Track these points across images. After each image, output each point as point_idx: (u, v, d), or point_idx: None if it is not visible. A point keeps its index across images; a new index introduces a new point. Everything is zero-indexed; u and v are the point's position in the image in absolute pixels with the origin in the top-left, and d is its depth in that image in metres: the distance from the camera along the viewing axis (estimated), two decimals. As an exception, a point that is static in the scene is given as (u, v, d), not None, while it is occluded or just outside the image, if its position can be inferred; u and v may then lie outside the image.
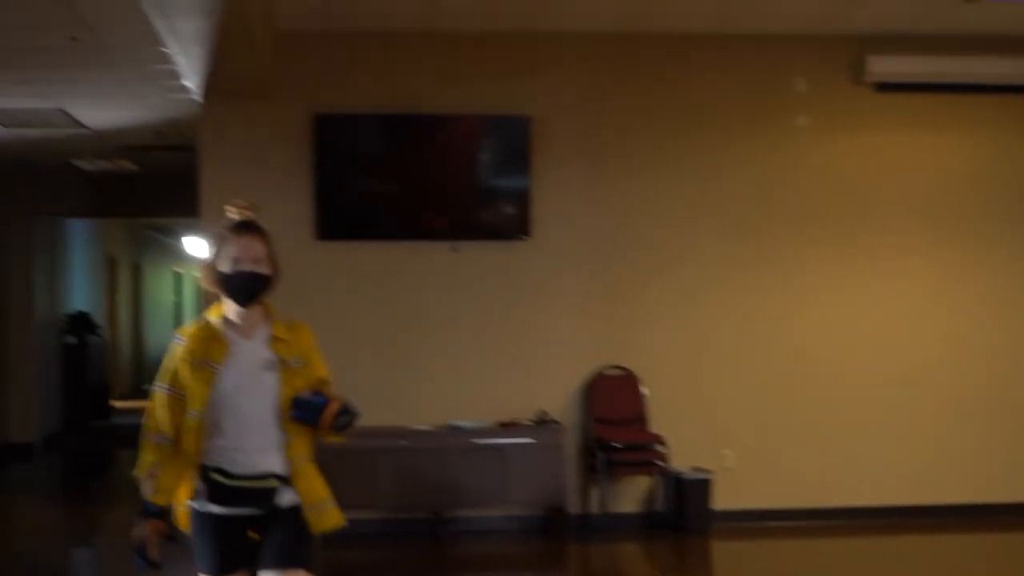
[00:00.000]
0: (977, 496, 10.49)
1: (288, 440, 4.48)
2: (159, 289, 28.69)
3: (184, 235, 24.58)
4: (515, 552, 9.63)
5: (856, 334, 10.43)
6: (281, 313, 4.61)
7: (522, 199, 10.02)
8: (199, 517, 4.51)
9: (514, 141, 10.01)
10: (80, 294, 19.39)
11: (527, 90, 10.11)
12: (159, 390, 4.54)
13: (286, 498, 4.49)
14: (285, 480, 4.47)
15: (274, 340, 4.54)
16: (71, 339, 18.09)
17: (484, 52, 10.11)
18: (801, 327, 10.38)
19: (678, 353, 10.25)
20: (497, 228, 10.09)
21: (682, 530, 9.93)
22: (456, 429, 9.70)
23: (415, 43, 10.03)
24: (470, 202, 10.07)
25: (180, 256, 29.21)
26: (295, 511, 4.49)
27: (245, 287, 4.49)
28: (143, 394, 24.47)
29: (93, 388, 18.80)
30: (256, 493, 4.45)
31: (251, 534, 4.48)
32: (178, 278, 31.60)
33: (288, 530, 4.48)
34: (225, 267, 4.49)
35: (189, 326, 4.62)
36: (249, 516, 4.48)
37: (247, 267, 4.46)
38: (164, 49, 8.31)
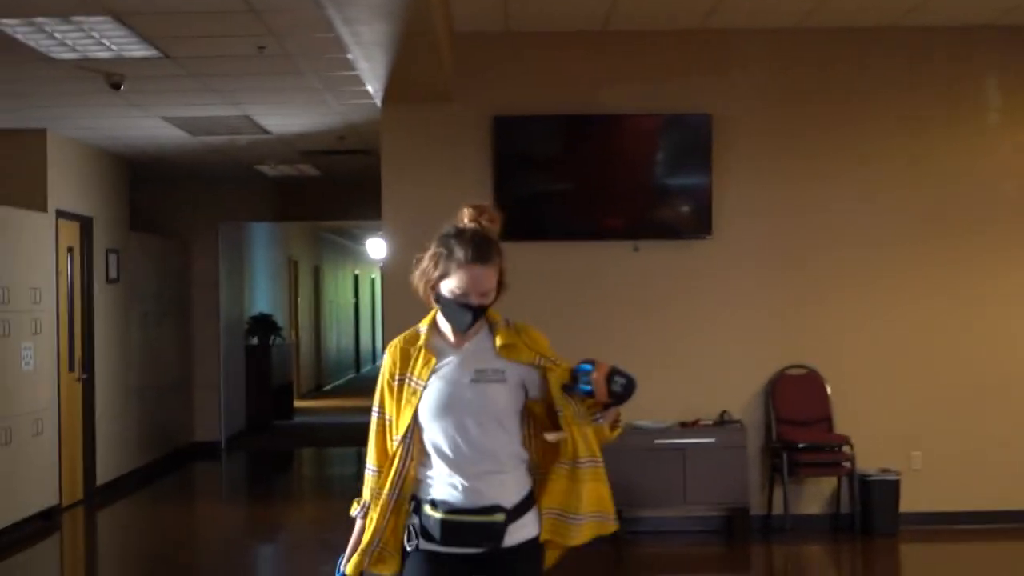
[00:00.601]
0: None
1: (529, 458, 3.96)
2: (339, 290, 29.16)
3: (363, 237, 24.95)
4: (696, 553, 9.57)
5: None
6: (504, 317, 4.03)
7: (703, 197, 9.93)
8: (412, 556, 3.93)
9: (694, 139, 9.93)
10: (262, 296, 19.80)
11: (706, 88, 10.02)
12: (373, 413, 4.03)
13: (515, 536, 3.88)
14: (516, 512, 3.88)
15: (501, 349, 3.92)
16: (254, 340, 18.47)
17: (662, 50, 10.04)
18: (992, 326, 10.11)
19: (864, 352, 10.06)
20: (677, 227, 10.02)
21: (868, 532, 9.75)
22: (637, 429, 9.66)
23: (593, 43, 10.01)
24: (649, 201, 10.02)
25: (359, 258, 29.71)
26: (527, 550, 3.90)
27: (467, 318, 3.89)
28: (324, 394, 25.05)
29: (275, 388, 19.16)
30: (477, 528, 3.85)
31: None
32: (357, 279, 32.10)
33: (512, 574, 3.91)
34: (447, 291, 3.87)
35: (396, 339, 4.06)
36: (470, 556, 3.88)
37: (473, 301, 3.87)
38: (347, 55, 8.42)
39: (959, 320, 10.09)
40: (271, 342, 18.82)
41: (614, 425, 3.96)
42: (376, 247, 23.44)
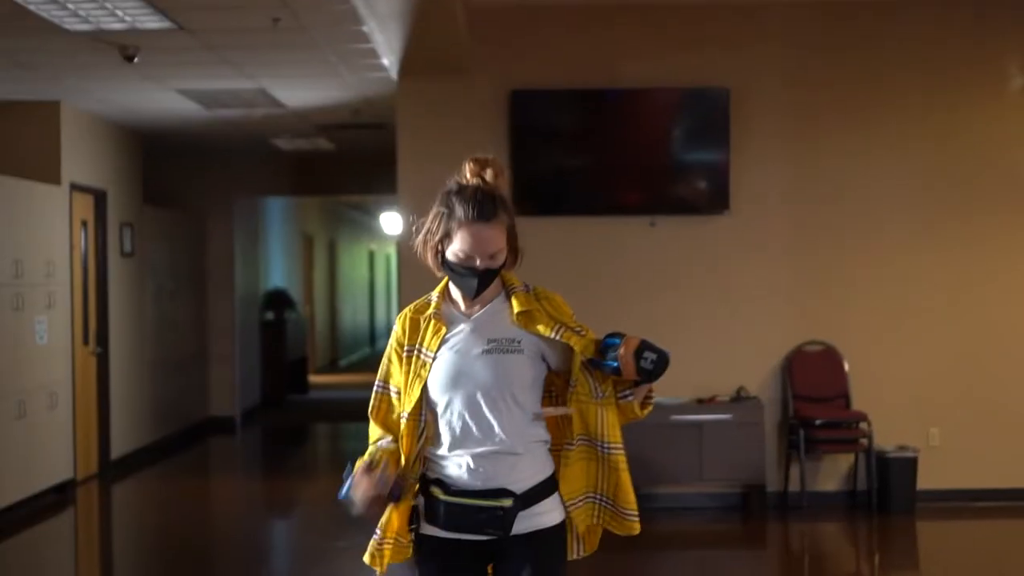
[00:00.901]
0: None
1: (545, 438, 3.64)
2: (354, 265, 29.13)
3: (379, 212, 24.91)
4: (712, 530, 9.55)
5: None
6: (523, 283, 3.69)
7: (720, 173, 9.86)
8: (418, 542, 3.65)
9: (712, 114, 9.86)
10: (277, 271, 19.78)
11: (725, 62, 9.94)
12: (376, 388, 3.73)
13: (528, 523, 3.55)
14: (529, 498, 3.55)
15: (517, 316, 3.58)
16: (269, 315, 18.45)
17: (681, 23, 9.96)
18: (1013, 304, 10.04)
19: (882, 329, 10.00)
20: (695, 203, 9.96)
21: (885, 510, 9.71)
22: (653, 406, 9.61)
23: (610, 16, 9.92)
24: (667, 177, 9.96)
25: (374, 233, 29.67)
26: (543, 538, 3.57)
27: (473, 283, 3.56)
28: (339, 369, 24.97)
29: (290, 363, 19.14)
30: (482, 513, 3.51)
31: (490, 569, 3.65)
32: (372, 255, 32.09)
33: (525, 565, 3.55)
34: (451, 255, 3.57)
35: (406, 308, 3.74)
36: (480, 544, 3.57)
37: (479, 264, 3.55)
38: (363, 27, 8.36)
39: (979, 296, 10.02)
40: (286, 317, 18.79)
41: (645, 403, 3.62)
42: (390, 221, 23.36)
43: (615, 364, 3.45)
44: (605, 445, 3.57)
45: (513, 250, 3.62)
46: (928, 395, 9.96)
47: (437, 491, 3.56)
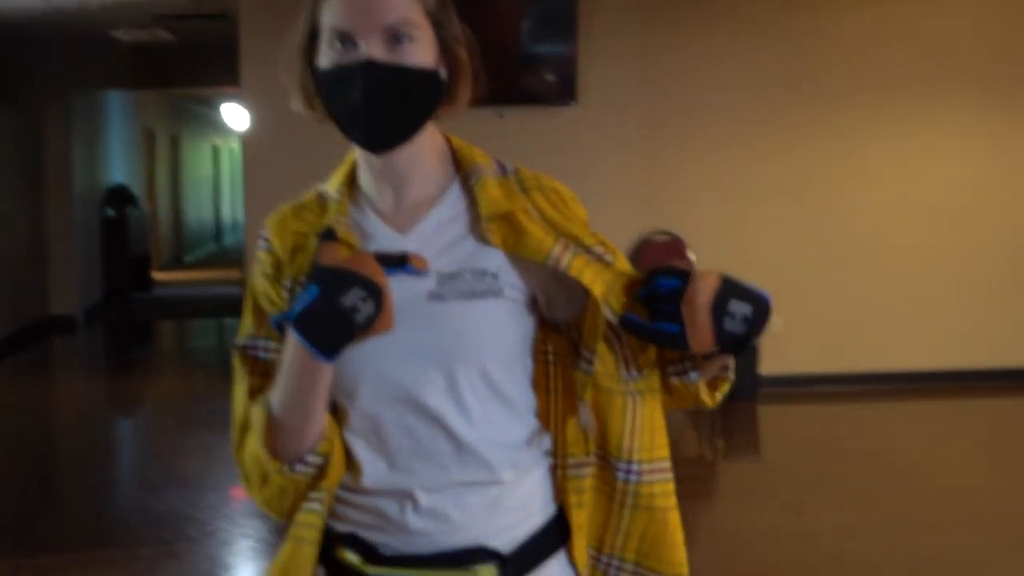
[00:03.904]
0: (1025, 360, 10.44)
1: (545, 447, 2.04)
2: (197, 162, 28.70)
3: (222, 106, 24.51)
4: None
5: (908, 201, 10.27)
6: (495, 160, 2.14)
7: (568, 64, 9.85)
8: None
9: (559, 4, 9.82)
10: (118, 167, 19.38)
11: (570, -48, 9.89)
12: (239, 348, 2.01)
13: None
14: (526, 558, 1.98)
15: (490, 223, 1.97)
16: (110, 212, 18.10)
17: (526, -87, 9.88)
18: (852, 193, 10.22)
19: (726, 219, 10.13)
20: (543, 94, 9.94)
21: (727, 395, 9.85)
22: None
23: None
24: (514, 68, 9.91)
25: (218, 128, 29.21)
26: None
27: (355, 97, 1.88)
28: (184, 266, 24.63)
29: (133, 260, 18.85)
30: None
31: None
32: (217, 150, 31.62)
33: None
34: (324, 59, 1.93)
35: (279, 210, 2.06)
36: None
37: (371, 55, 1.89)
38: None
39: (819, 187, 10.19)
40: (127, 213, 18.45)
41: (717, 382, 2.10)
42: (233, 115, 23.00)
43: (676, 328, 1.91)
44: (631, 468, 2.02)
45: (455, 60, 2.09)
46: (770, 284, 9.95)
47: (352, 558, 1.97)
